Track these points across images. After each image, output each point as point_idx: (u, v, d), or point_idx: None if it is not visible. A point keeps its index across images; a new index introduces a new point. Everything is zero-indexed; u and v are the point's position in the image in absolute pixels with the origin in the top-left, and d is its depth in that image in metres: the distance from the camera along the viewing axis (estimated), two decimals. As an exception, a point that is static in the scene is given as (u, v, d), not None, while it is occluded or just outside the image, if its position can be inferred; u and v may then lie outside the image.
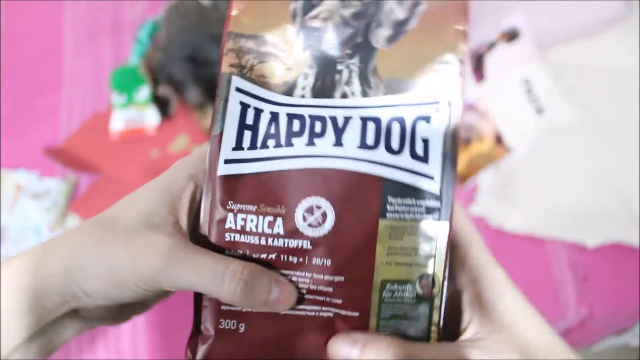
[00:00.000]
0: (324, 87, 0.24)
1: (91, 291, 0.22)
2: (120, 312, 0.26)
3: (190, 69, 0.67)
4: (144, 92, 0.73)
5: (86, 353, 0.63)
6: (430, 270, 0.24)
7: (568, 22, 0.75)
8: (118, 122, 0.73)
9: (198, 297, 0.24)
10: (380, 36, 0.24)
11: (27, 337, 0.22)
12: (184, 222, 0.24)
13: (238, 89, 0.23)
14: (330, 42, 0.24)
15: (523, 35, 0.76)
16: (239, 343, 0.24)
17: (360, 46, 0.24)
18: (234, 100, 0.23)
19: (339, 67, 0.24)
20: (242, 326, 0.24)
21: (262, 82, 0.24)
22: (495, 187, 0.73)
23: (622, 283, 0.70)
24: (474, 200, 0.73)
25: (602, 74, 0.74)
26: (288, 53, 0.24)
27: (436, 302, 0.24)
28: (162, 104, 0.73)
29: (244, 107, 0.23)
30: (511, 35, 0.75)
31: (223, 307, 0.24)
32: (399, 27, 0.24)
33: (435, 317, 0.24)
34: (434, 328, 0.24)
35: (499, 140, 0.74)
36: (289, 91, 0.24)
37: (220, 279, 0.21)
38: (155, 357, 0.63)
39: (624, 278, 0.70)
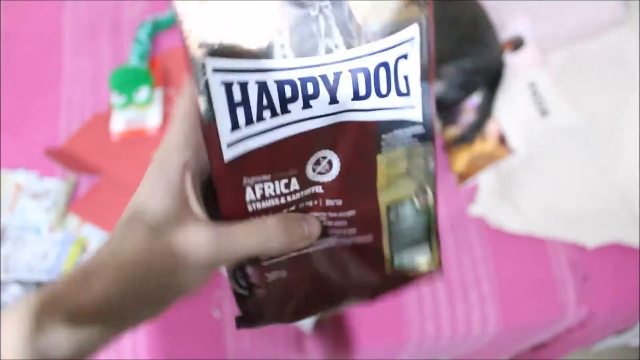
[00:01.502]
0: (304, 42, 0.23)
1: (157, 304, 0.24)
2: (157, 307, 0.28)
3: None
4: (144, 92, 0.73)
5: (86, 353, 0.64)
6: (424, 185, 0.27)
7: (569, 25, 0.76)
8: (118, 123, 0.73)
9: (239, 266, 0.26)
10: None
11: (74, 338, 0.24)
12: (197, 209, 0.24)
13: (216, 70, 0.22)
14: None
15: (527, 42, 0.76)
16: (286, 287, 0.27)
17: None
18: (215, 83, 0.22)
19: (312, 12, 0.22)
20: (284, 273, 0.27)
21: (236, 52, 0.22)
22: (496, 187, 0.73)
23: (622, 283, 0.70)
24: (474, 200, 0.73)
25: (602, 75, 0.75)
26: (253, 9, 0.22)
27: (432, 210, 0.28)
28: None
29: (227, 86, 0.22)
30: (516, 44, 0.75)
31: (265, 264, 0.26)
32: None
33: (432, 222, 0.28)
34: (434, 232, 0.28)
35: (502, 140, 0.74)
36: (269, 53, 0.22)
37: (264, 235, 0.24)
38: (155, 357, 0.64)
39: (624, 278, 0.70)
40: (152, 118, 0.73)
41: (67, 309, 0.23)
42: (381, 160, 0.26)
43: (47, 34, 0.84)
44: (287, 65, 0.23)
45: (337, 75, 0.23)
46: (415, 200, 0.27)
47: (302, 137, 0.24)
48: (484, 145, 0.74)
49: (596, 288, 0.69)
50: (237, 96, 0.22)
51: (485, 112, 0.73)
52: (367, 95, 0.24)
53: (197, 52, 0.21)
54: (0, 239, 0.67)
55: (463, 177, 0.74)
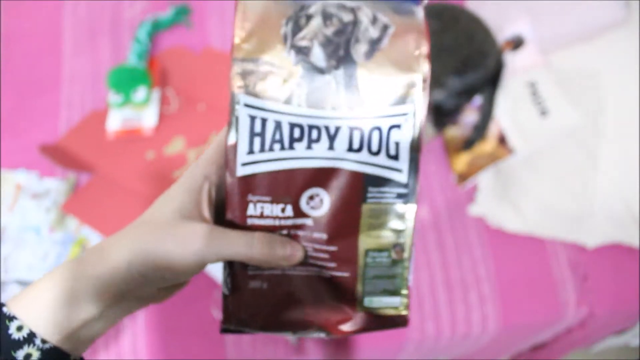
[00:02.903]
0: (316, 97, 0.29)
1: (150, 278, 0.29)
2: (166, 291, 0.33)
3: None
4: (141, 92, 0.73)
5: (86, 353, 0.64)
6: (402, 240, 0.32)
7: (570, 27, 0.75)
8: (114, 122, 0.73)
9: (230, 267, 0.31)
10: (358, 50, 0.30)
11: (96, 315, 0.29)
12: (206, 212, 0.30)
13: (246, 105, 0.29)
14: (317, 55, 0.29)
15: (528, 42, 0.76)
16: (263, 297, 0.32)
17: (343, 59, 0.30)
18: (244, 114, 0.29)
19: (327, 77, 0.29)
20: (265, 285, 0.32)
21: (264, 96, 0.29)
22: (495, 187, 0.73)
23: (622, 283, 0.70)
24: (474, 200, 0.73)
25: (602, 76, 0.74)
26: (283, 69, 0.29)
27: (405, 263, 0.33)
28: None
29: (252, 118, 0.29)
30: (516, 44, 0.75)
31: (250, 272, 0.31)
32: (374, 44, 0.30)
33: (405, 274, 0.33)
34: (404, 282, 0.33)
35: (502, 140, 0.74)
36: (288, 100, 0.29)
37: (250, 245, 0.29)
38: (155, 357, 0.64)
39: (624, 278, 0.70)
40: (148, 118, 0.72)
41: (88, 286, 0.28)
42: (365, 209, 0.31)
43: (47, 33, 0.84)
44: (300, 112, 0.30)
45: (337, 128, 0.30)
46: (393, 252, 0.32)
47: (301, 172, 0.30)
48: (484, 145, 0.74)
49: (596, 288, 0.69)
50: (257, 128, 0.29)
51: (487, 112, 0.73)
52: (360, 150, 0.30)
53: (236, 90, 0.29)
54: (0, 239, 0.67)
55: (463, 177, 0.74)
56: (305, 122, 0.30)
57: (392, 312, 0.33)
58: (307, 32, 0.30)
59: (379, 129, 0.30)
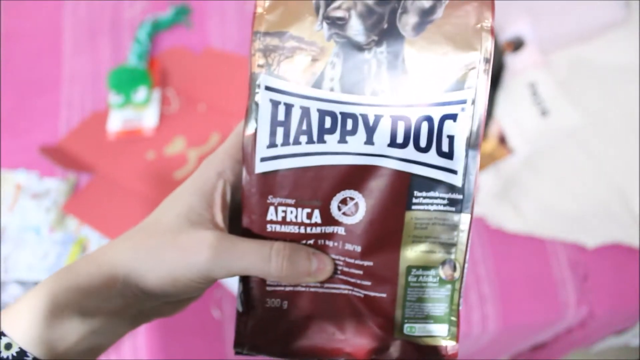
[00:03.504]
0: (353, 80, 0.24)
1: (150, 292, 0.24)
2: (174, 305, 0.29)
3: None
4: (142, 93, 0.73)
5: (86, 353, 0.64)
6: (452, 257, 0.26)
7: (569, 26, 0.75)
8: (115, 123, 0.73)
9: (245, 281, 0.26)
10: (406, 23, 0.24)
11: (89, 330, 0.24)
12: (219, 217, 0.25)
13: (267, 88, 0.24)
14: (356, 28, 0.24)
15: (528, 42, 0.76)
16: (283, 319, 0.27)
17: (386, 33, 0.24)
18: (264, 99, 0.24)
19: (367, 55, 0.24)
20: (285, 304, 0.27)
21: (290, 77, 0.24)
22: (496, 187, 0.73)
23: (622, 283, 0.70)
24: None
25: (602, 76, 0.74)
26: (313, 45, 0.24)
27: (457, 285, 0.26)
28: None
29: (275, 104, 0.24)
30: (517, 45, 0.75)
31: (268, 288, 0.26)
32: (425, 15, 0.24)
33: (455, 298, 0.26)
34: (454, 307, 0.26)
35: (502, 140, 0.74)
36: (318, 83, 0.24)
37: (267, 258, 0.24)
38: (155, 357, 0.64)
39: (624, 278, 0.70)
40: (148, 119, 0.72)
41: (79, 299, 0.24)
42: (410, 217, 0.25)
43: (47, 33, 0.84)
44: (332, 98, 0.24)
45: (377, 118, 0.24)
46: (441, 270, 0.26)
47: (333, 171, 0.25)
48: (484, 145, 0.74)
49: (596, 288, 0.69)
50: (281, 115, 0.24)
51: (487, 112, 0.73)
52: (405, 145, 0.24)
53: (256, 69, 0.24)
54: (0, 239, 0.67)
55: (463, 177, 0.73)
56: (338, 109, 0.24)
57: (437, 342, 0.27)
58: (343, 0, 0.24)
59: (430, 119, 0.24)
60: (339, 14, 0.24)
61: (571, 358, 0.97)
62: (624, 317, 0.73)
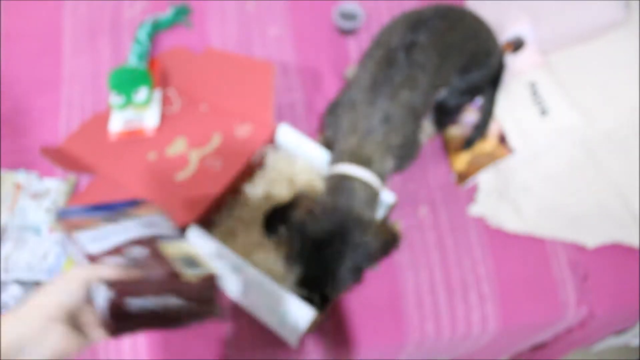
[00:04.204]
0: None
1: None
2: None
3: None
4: (143, 93, 0.73)
5: (86, 353, 0.64)
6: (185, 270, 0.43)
7: (569, 26, 0.76)
8: (116, 123, 0.72)
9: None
10: None
11: None
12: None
13: None
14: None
15: (528, 43, 0.76)
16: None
17: None
18: None
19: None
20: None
21: None
22: (496, 187, 0.73)
23: (622, 283, 0.70)
24: (474, 200, 0.73)
25: (602, 76, 0.74)
26: None
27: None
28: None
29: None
30: (517, 45, 0.75)
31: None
32: None
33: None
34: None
35: (502, 140, 0.74)
36: None
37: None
38: (155, 357, 0.64)
39: (624, 278, 0.70)
40: (149, 119, 0.72)
41: None
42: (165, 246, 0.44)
43: (47, 33, 0.84)
44: None
45: None
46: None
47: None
48: (484, 144, 0.74)
49: (596, 288, 0.69)
50: None
51: (488, 112, 0.73)
52: None
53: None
54: (0, 239, 0.67)
55: (463, 176, 0.74)
56: None
57: None
58: None
59: None
60: None
61: (571, 358, 0.97)
62: (624, 317, 0.74)
